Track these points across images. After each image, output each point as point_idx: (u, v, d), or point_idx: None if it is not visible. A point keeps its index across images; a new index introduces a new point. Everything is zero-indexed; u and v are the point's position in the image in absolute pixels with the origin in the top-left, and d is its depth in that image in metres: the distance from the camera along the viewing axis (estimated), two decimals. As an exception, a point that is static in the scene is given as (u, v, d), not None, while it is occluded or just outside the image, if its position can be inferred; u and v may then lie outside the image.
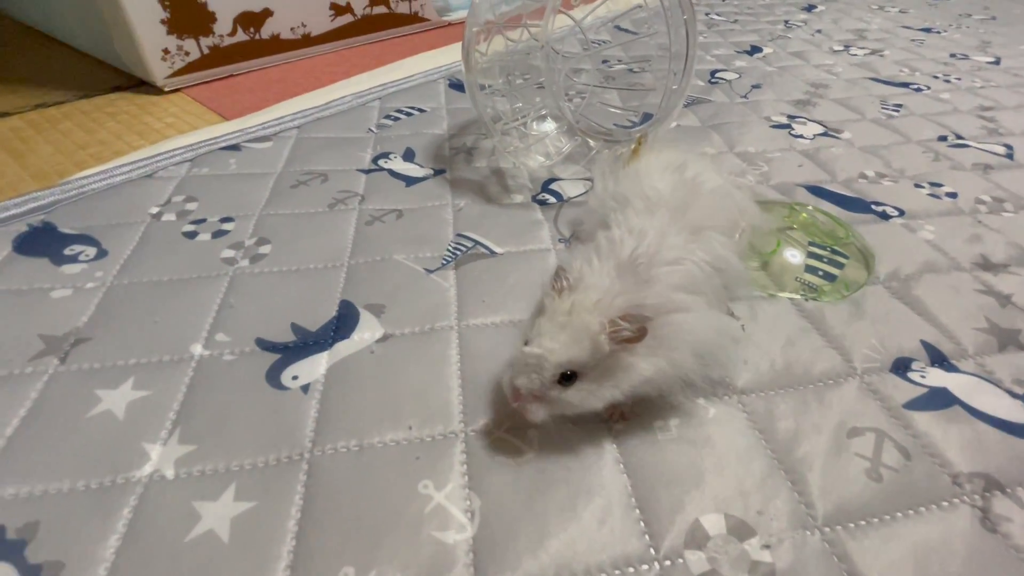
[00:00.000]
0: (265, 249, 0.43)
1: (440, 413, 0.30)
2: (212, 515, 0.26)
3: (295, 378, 0.32)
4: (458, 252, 0.43)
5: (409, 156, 0.56)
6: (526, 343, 0.26)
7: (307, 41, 0.97)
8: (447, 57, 0.84)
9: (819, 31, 1.03)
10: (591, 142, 0.55)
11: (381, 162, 0.55)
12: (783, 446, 0.29)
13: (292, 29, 0.94)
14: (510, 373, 0.27)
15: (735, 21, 1.08)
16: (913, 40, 0.99)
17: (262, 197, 0.49)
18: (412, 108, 0.67)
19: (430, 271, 0.41)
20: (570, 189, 0.52)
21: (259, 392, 0.32)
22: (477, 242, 0.44)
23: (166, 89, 0.81)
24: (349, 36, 1.02)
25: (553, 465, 0.28)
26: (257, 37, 0.91)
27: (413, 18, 1.09)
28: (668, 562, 0.24)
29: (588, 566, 0.24)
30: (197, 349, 0.34)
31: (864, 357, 0.34)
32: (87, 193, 0.48)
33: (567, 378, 0.26)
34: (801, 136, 0.64)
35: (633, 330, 0.25)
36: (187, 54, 0.82)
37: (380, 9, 1.05)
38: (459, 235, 0.45)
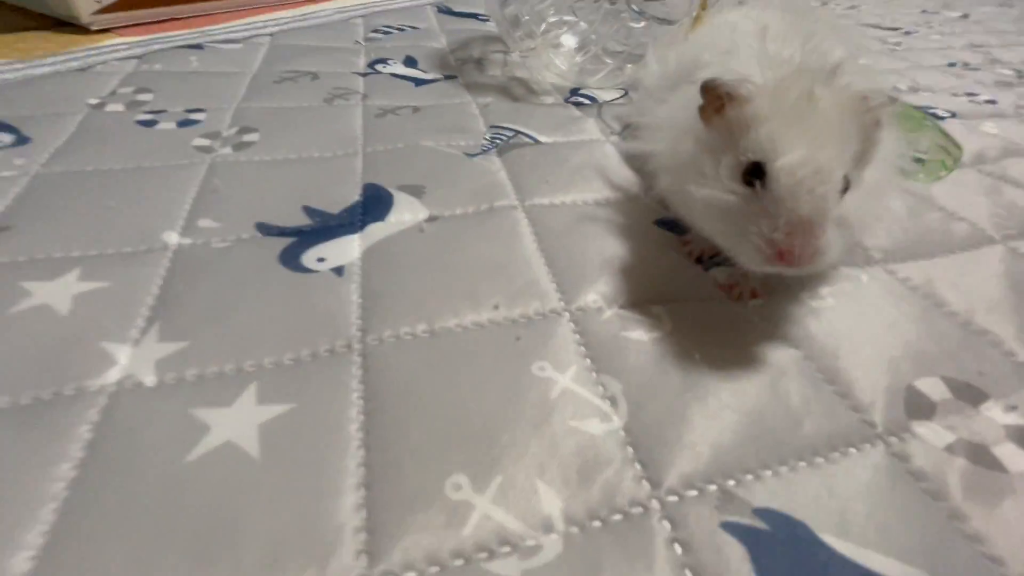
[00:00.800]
0: (252, 137, 0.33)
1: (530, 290, 0.23)
2: (227, 423, 0.17)
3: (321, 260, 0.24)
4: (498, 140, 0.35)
5: (411, 63, 0.48)
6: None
7: (261, -14, 0.86)
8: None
9: (798, -12, 1.02)
10: (608, 59, 0.48)
11: (379, 67, 0.46)
12: (964, 309, 0.23)
13: (243, -29, 0.83)
14: (766, 217, 0.18)
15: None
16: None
17: (238, 92, 0.39)
18: (403, 25, 0.58)
19: (471, 155, 0.33)
20: (603, 95, 0.45)
21: (272, 277, 0.23)
22: (518, 131, 0.36)
23: (93, 28, 0.68)
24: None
25: (699, 342, 0.21)
26: (202, -24, 0.79)
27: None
28: (895, 439, 0.18)
29: (798, 448, 0.17)
30: (172, 237, 0.25)
31: (996, 225, 0.29)
32: (-3, 82, 0.37)
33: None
34: (821, 60, 0.60)
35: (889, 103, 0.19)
36: (118, -14, 0.69)
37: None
38: (494, 126, 0.37)
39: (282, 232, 0.25)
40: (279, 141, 0.33)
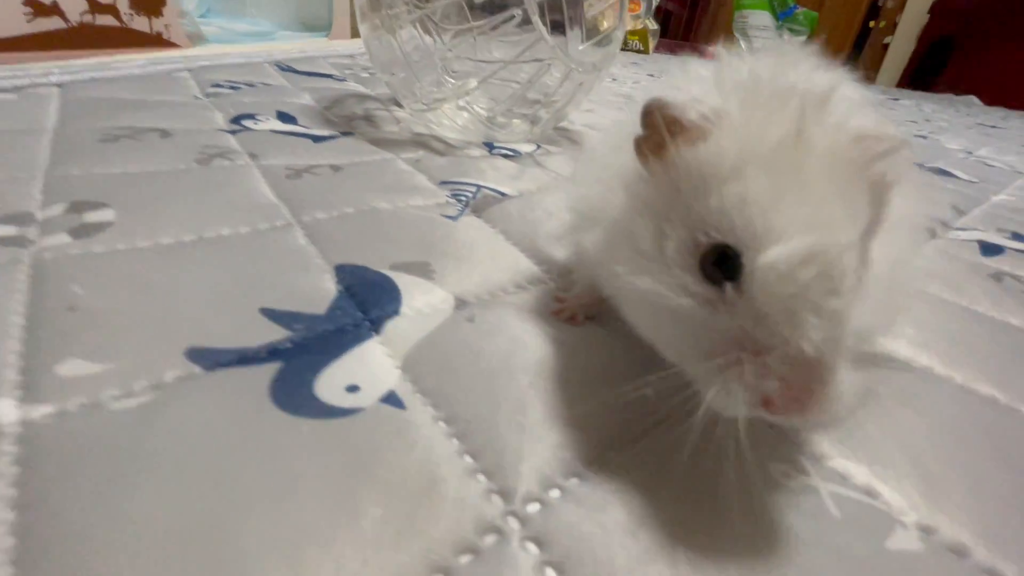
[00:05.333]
0: (100, 216, 0.21)
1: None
2: None
3: (353, 389, 0.14)
4: (462, 198, 0.28)
5: (287, 119, 0.38)
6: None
7: (-8, 43, 0.64)
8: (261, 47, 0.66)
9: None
10: (521, 111, 0.45)
11: (247, 123, 0.36)
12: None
13: (-36, 24, 0.61)
14: (745, 341, 0.11)
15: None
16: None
17: (37, 155, 0.25)
18: (249, 82, 0.48)
19: (452, 217, 0.26)
20: (522, 148, 0.42)
21: (275, 436, 0.12)
22: (480, 186, 0.30)
23: None
24: (59, 47, 0.71)
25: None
26: (-101, 25, 0.56)
27: (155, 39, 0.82)
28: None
29: None
30: (7, 410, 0.12)
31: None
32: None
33: None
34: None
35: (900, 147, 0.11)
36: None
37: (106, 19, 0.77)
38: (445, 183, 0.30)
39: (243, 358, 0.15)
40: (153, 218, 0.21)
